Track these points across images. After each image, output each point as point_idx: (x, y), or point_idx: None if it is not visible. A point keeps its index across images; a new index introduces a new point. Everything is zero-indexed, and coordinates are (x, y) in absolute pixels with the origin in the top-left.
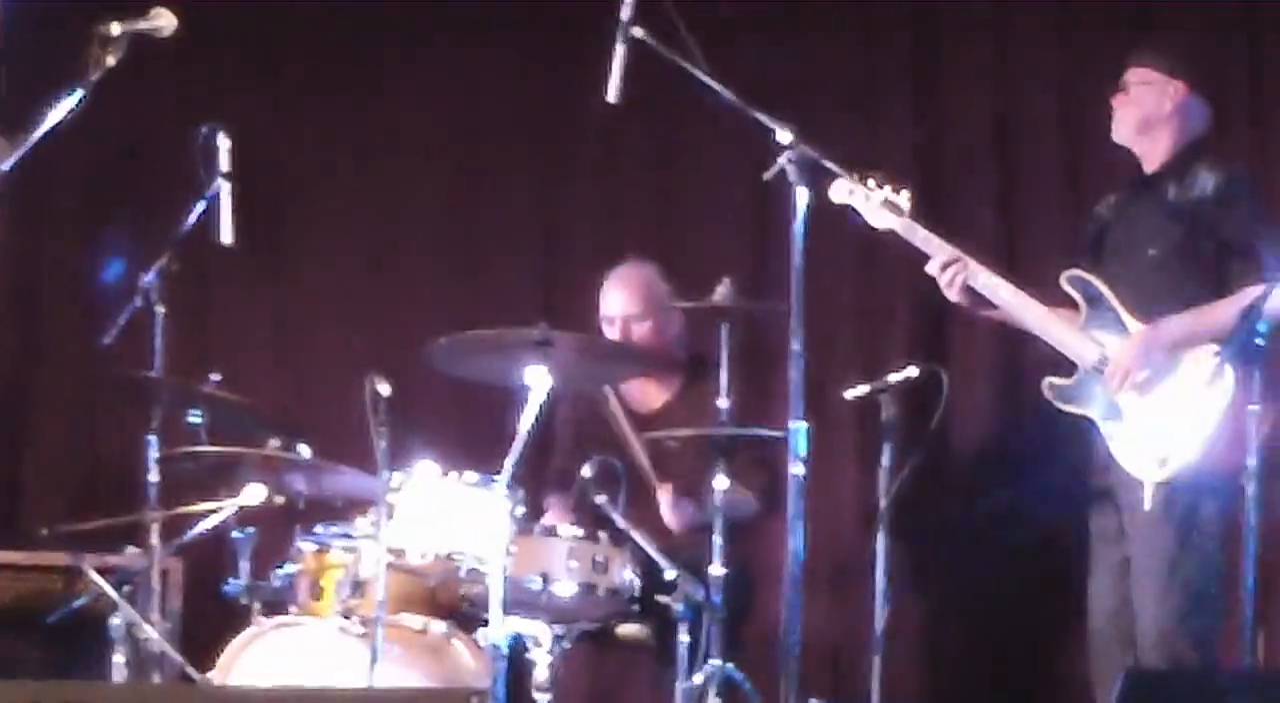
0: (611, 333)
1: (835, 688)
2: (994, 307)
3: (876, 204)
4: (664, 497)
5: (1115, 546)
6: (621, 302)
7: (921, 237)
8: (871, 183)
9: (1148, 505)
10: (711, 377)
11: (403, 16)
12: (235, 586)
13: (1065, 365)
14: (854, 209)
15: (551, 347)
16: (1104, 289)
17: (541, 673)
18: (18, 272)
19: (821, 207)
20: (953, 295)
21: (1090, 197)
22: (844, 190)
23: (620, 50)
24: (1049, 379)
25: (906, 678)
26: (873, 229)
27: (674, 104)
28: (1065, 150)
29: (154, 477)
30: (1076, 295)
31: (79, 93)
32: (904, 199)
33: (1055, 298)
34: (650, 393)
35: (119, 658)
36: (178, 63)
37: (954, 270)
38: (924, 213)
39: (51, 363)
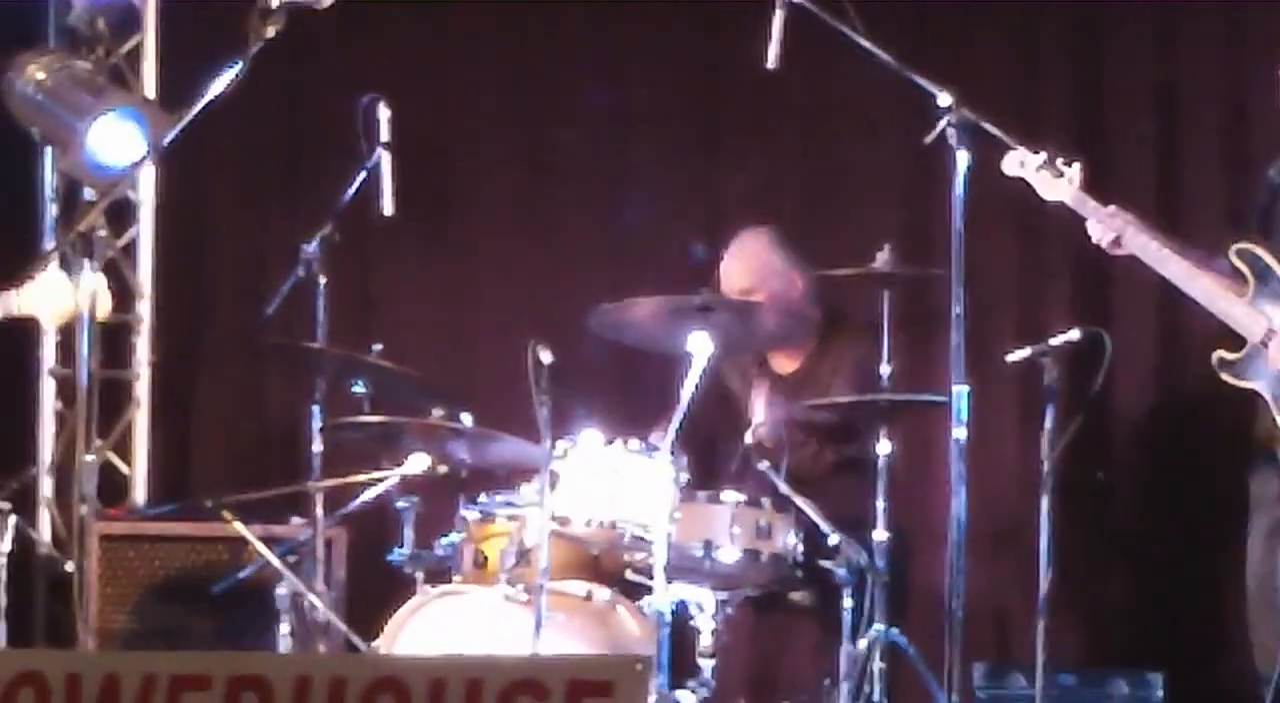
0: None
1: (999, 651)
2: None
3: (1047, 177)
4: (759, 394)
5: (1270, 511)
6: (733, 277)
7: (1091, 208)
8: (1043, 155)
9: None
10: (846, 338)
11: None
12: (399, 555)
13: (1235, 338)
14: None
15: (713, 312)
16: (1273, 263)
17: (705, 640)
18: (182, 243)
19: (981, 170)
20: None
21: (1256, 165)
22: (1015, 163)
23: (779, 15)
24: (1218, 353)
25: (1070, 641)
26: (1041, 200)
27: (832, 69)
28: (1229, 120)
29: (318, 447)
30: (1245, 269)
31: (239, 65)
32: (1074, 172)
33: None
34: (787, 357)
35: (285, 628)
36: (338, 34)
37: (1121, 248)
38: (1086, 185)
39: (217, 334)
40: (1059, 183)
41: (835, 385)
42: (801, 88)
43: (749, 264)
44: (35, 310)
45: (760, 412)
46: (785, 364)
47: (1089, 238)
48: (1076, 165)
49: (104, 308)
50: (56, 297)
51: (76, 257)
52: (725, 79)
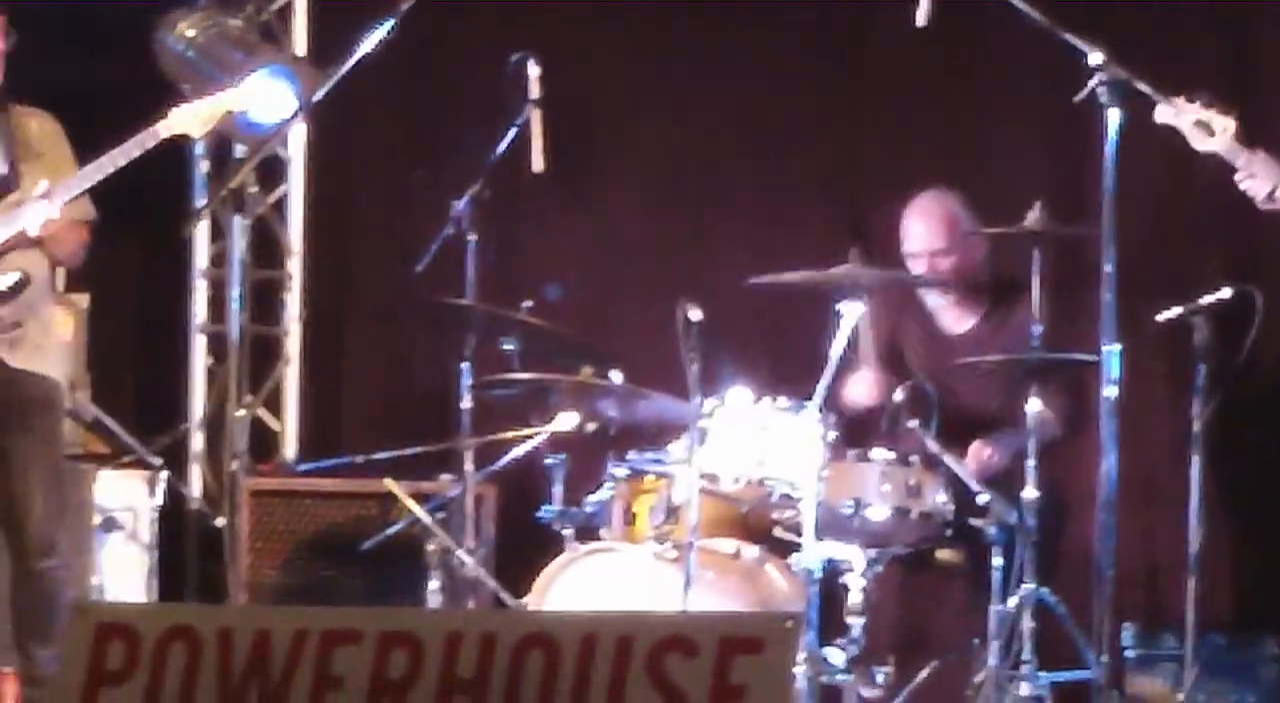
0: (916, 267)
1: (1149, 611)
2: None
3: (1201, 126)
4: (974, 455)
5: None
6: (925, 237)
7: (1245, 159)
8: (1197, 103)
9: None
10: (1019, 301)
11: None
12: (549, 512)
13: None
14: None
15: (859, 285)
16: None
17: (854, 598)
18: (332, 200)
19: (1132, 128)
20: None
21: None
22: (1169, 111)
23: None
24: None
25: (1220, 601)
26: (1191, 150)
27: (981, 26)
28: None
29: (468, 404)
30: None
31: (389, 22)
32: (1229, 121)
33: None
34: (957, 317)
35: (434, 584)
36: None
37: (1274, 202)
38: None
39: (367, 291)
40: (1212, 132)
41: (1009, 348)
42: (950, 46)
43: (942, 225)
44: (184, 127)
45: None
46: (953, 326)
47: (1240, 194)
48: (1230, 116)
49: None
50: (200, 109)
51: (227, 213)
52: (875, 37)
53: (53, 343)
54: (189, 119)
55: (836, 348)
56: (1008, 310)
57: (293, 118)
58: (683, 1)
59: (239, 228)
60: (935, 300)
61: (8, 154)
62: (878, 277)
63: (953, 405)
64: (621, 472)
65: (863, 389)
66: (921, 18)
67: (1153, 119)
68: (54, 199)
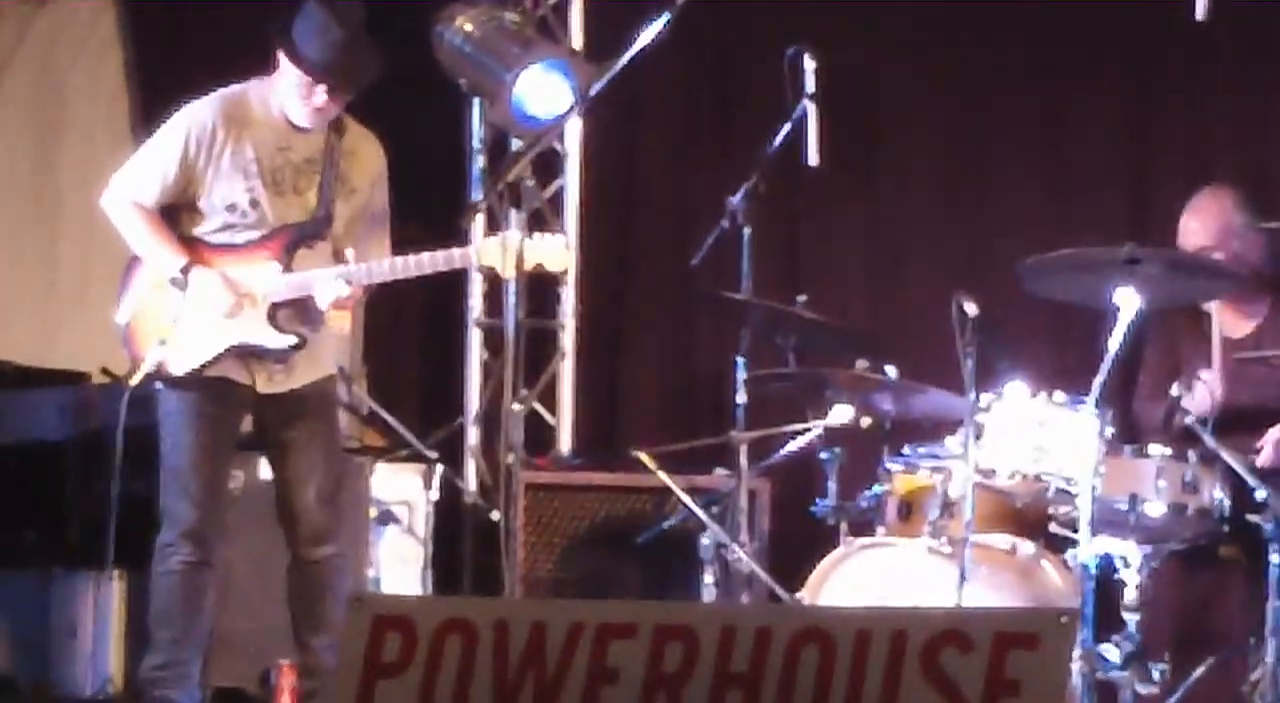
0: None
1: None
2: None
3: None
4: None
5: None
6: (1193, 234)
7: None
8: None
9: None
10: None
11: None
12: (823, 506)
13: None
14: None
15: (1139, 265)
16: None
17: (1130, 594)
18: (609, 194)
19: None
20: None
21: None
22: None
23: None
24: None
25: None
26: None
27: (1265, 19)
28: None
29: (742, 398)
30: None
31: (665, 16)
32: None
33: None
34: (1238, 318)
35: (708, 578)
36: None
37: None
38: None
39: (642, 285)
40: None
41: None
42: (1233, 39)
43: (1209, 223)
44: (493, 262)
45: (1210, 375)
46: (1237, 326)
47: None
48: None
49: (562, 264)
50: (513, 249)
51: (504, 206)
52: (1158, 31)
53: (328, 341)
54: (499, 254)
55: (1114, 342)
56: None
57: (569, 112)
58: None
59: (515, 222)
60: (1214, 304)
61: (327, 191)
62: (1153, 254)
63: (1234, 404)
64: (896, 466)
65: (1204, 393)
66: (1200, 12)
67: None
68: (352, 282)
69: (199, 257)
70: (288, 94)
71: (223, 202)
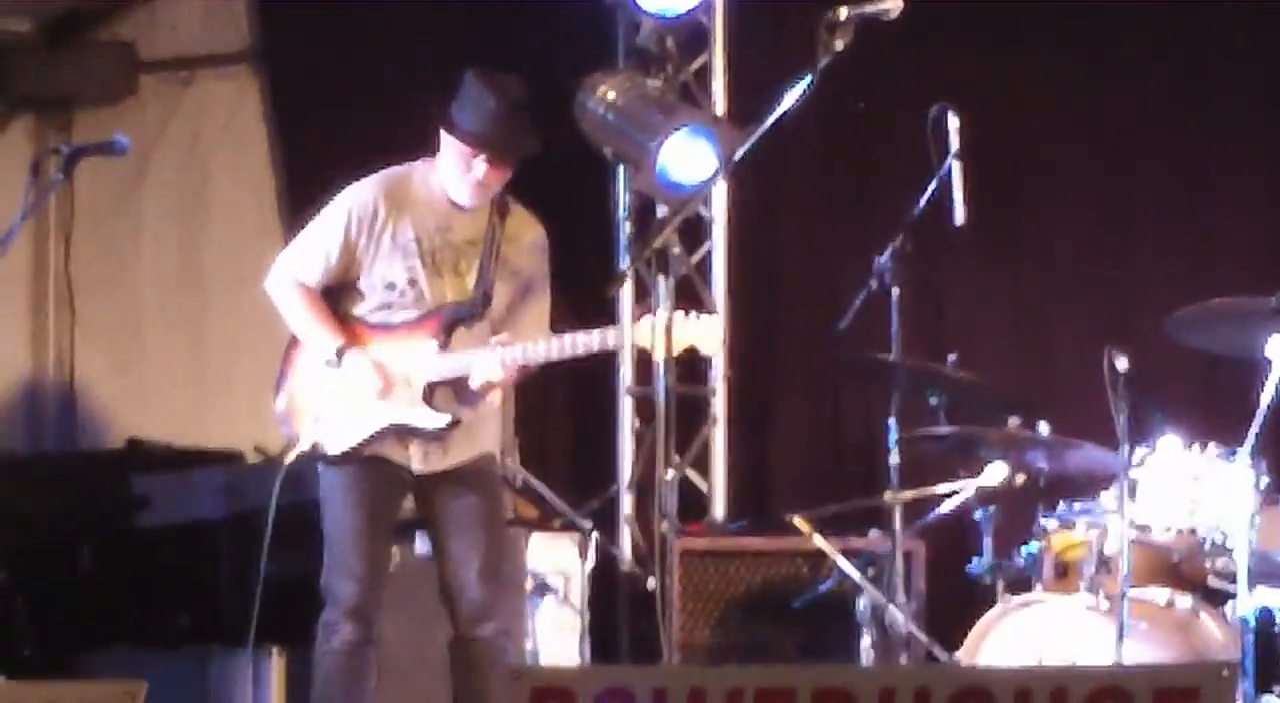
0: None
1: None
2: None
3: None
4: None
5: None
6: None
7: None
8: None
9: None
10: None
11: None
12: (979, 565)
13: None
14: None
15: None
16: None
17: None
18: (755, 258)
19: None
20: None
21: None
22: None
23: None
24: None
25: None
26: None
27: None
28: None
29: (895, 458)
30: None
31: (808, 79)
32: None
33: None
34: None
35: (866, 640)
36: (907, 44)
37: None
38: None
39: (792, 347)
40: None
41: None
42: None
43: None
44: (647, 343)
45: None
46: None
47: None
48: None
49: (715, 345)
50: (666, 332)
51: (652, 274)
52: None
53: (486, 419)
54: (651, 335)
55: (1267, 393)
56: None
57: (714, 177)
58: (1105, 47)
59: (663, 288)
60: None
61: (488, 273)
62: None
63: None
64: (1052, 523)
65: None
66: None
67: None
68: (505, 362)
69: (356, 337)
70: (448, 171)
71: (382, 281)
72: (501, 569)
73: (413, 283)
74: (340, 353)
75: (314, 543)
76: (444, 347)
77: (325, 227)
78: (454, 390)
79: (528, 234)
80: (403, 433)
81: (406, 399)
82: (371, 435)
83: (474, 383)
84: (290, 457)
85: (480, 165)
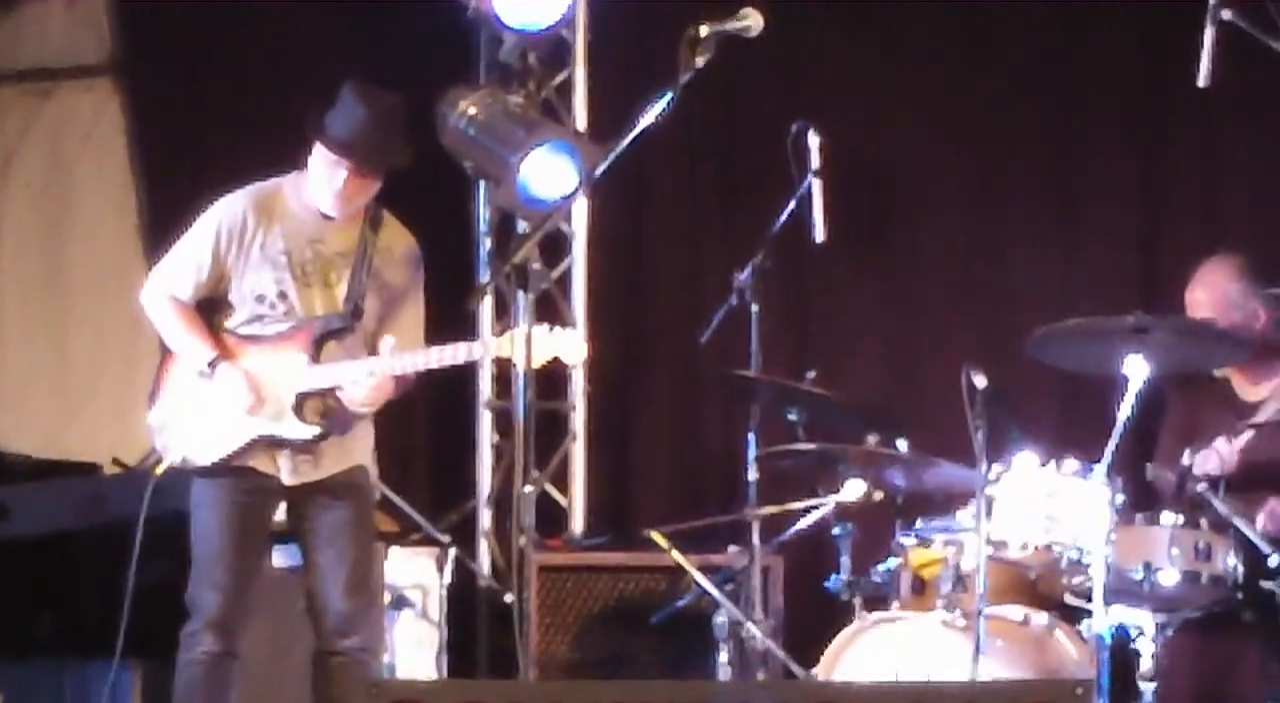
0: None
1: None
2: None
3: None
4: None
5: None
6: (1197, 306)
7: None
8: None
9: None
10: None
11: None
12: (837, 581)
13: None
14: None
15: (1148, 333)
16: None
17: (1146, 663)
18: (616, 274)
19: None
20: None
21: None
22: None
23: (1209, 33)
24: None
25: None
26: None
27: (1270, 83)
28: None
29: (754, 474)
30: None
31: (668, 96)
32: None
33: None
34: (1250, 384)
35: (723, 656)
36: (768, 61)
37: None
38: None
39: (653, 364)
40: None
41: None
42: (1241, 102)
43: (1209, 294)
44: (508, 353)
45: (1221, 441)
46: (1252, 390)
47: None
48: None
49: (577, 357)
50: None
51: (512, 288)
52: (1165, 97)
53: (358, 432)
54: (513, 348)
55: (1123, 411)
56: None
57: (575, 193)
58: (968, 64)
59: (524, 303)
60: (1226, 371)
61: (358, 285)
62: (1159, 322)
63: (1244, 469)
64: (909, 540)
65: (1214, 459)
66: (1203, 78)
67: None
68: (376, 377)
69: (228, 350)
70: (316, 181)
71: (252, 293)
72: (369, 584)
73: (282, 295)
74: (213, 365)
75: (175, 555)
76: (314, 359)
77: (195, 240)
78: (324, 402)
79: (400, 246)
80: (272, 445)
81: (275, 411)
82: (241, 447)
83: (346, 394)
84: (161, 468)
85: (340, 174)
